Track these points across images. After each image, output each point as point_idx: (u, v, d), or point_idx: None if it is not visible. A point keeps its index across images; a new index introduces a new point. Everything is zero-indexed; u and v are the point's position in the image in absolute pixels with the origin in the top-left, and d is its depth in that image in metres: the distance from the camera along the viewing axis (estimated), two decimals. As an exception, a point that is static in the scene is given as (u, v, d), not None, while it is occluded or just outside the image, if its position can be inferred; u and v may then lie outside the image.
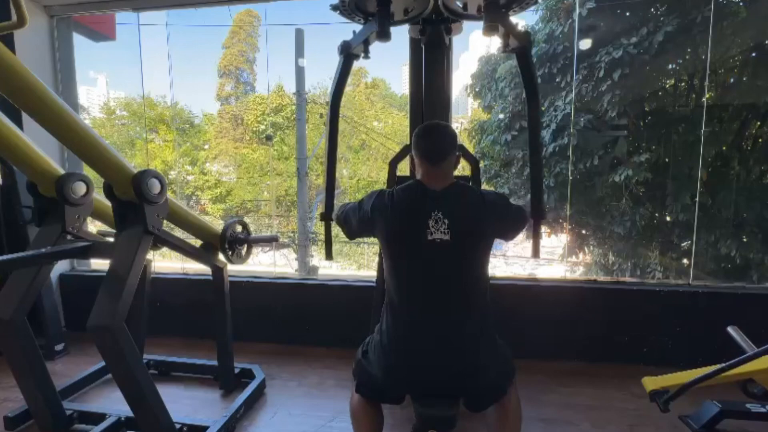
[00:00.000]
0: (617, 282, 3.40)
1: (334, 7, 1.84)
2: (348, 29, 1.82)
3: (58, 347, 2.79)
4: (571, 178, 5.99)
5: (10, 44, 2.55)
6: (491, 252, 1.41)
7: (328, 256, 2.03)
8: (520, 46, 1.68)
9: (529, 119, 1.87)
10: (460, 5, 1.79)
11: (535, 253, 1.95)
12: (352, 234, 1.53)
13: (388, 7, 1.68)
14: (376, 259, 2.33)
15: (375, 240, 1.46)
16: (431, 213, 1.28)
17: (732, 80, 5.64)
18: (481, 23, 1.66)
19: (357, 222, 1.44)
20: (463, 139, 7.92)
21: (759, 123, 5.51)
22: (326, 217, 1.95)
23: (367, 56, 1.87)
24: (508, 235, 1.48)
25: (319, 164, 14.92)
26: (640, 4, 5.46)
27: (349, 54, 1.80)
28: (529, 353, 2.45)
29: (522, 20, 1.86)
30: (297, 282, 3.07)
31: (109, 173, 1.71)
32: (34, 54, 2.99)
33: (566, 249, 6.99)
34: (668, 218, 5.82)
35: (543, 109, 6.26)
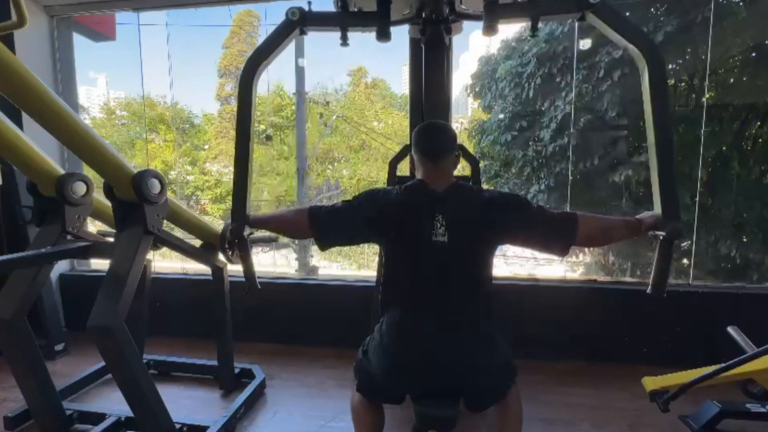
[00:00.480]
0: (617, 282, 3.40)
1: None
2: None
3: (58, 347, 2.79)
4: (571, 178, 5.99)
5: (10, 44, 2.54)
6: (495, 252, 1.38)
7: (253, 284, 1.64)
8: (580, 9, 1.46)
9: (644, 87, 1.45)
10: (465, 7, 1.78)
11: (658, 286, 1.40)
12: (332, 242, 1.42)
13: (388, 7, 1.67)
14: (376, 259, 2.32)
15: (375, 242, 1.46)
16: (432, 213, 1.28)
17: (732, 80, 5.63)
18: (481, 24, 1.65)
19: (347, 226, 1.38)
20: (463, 139, 7.91)
21: (759, 123, 5.51)
22: (238, 231, 1.52)
23: (345, 43, 1.73)
24: (533, 242, 1.35)
25: (319, 164, 14.93)
26: (640, 4, 5.46)
27: (298, 24, 1.59)
28: (529, 353, 2.44)
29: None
30: (297, 282, 3.07)
31: (109, 173, 1.71)
32: (34, 54, 2.99)
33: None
34: (668, 218, 5.81)
35: (543, 109, 6.27)
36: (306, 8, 1.62)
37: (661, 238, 1.35)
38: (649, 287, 1.42)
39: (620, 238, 1.43)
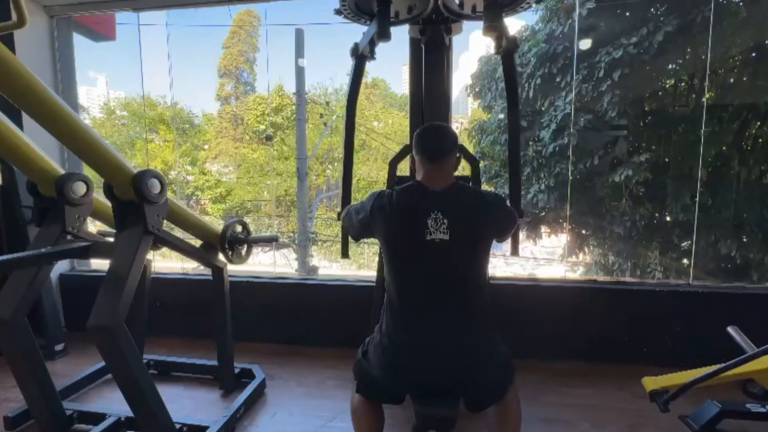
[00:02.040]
0: (617, 282, 3.40)
1: (338, 12, 1.85)
2: (348, 30, 1.85)
3: (58, 347, 2.79)
4: (571, 178, 5.99)
5: (10, 44, 2.55)
6: (491, 252, 1.42)
7: (344, 254, 2.09)
8: (507, 49, 1.74)
9: (509, 121, 1.99)
10: (460, 5, 1.79)
11: (515, 251, 2.04)
12: (355, 235, 1.54)
13: (388, 7, 1.68)
14: (376, 259, 2.33)
15: (375, 240, 1.46)
16: (431, 213, 1.28)
17: (732, 80, 5.63)
18: (481, 23, 1.66)
19: (359, 223, 1.44)
20: (463, 139, 7.92)
21: (759, 123, 5.51)
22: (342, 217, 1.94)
23: (372, 57, 1.89)
24: (503, 235, 1.51)
25: (319, 164, 14.93)
26: (640, 4, 5.46)
27: (360, 56, 1.86)
28: (529, 353, 2.45)
29: (522, 20, 1.84)
30: (297, 282, 3.07)
31: (109, 173, 1.71)
32: (34, 54, 2.99)
33: (566, 249, 6.99)
34: (668, 218, 5.82)
35: (543, 109, 6.27)
36: (355, 45, 1.87)
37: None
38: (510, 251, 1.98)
39: None
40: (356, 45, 1.86)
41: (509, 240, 1.79)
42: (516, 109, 1.92)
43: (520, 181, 2.00)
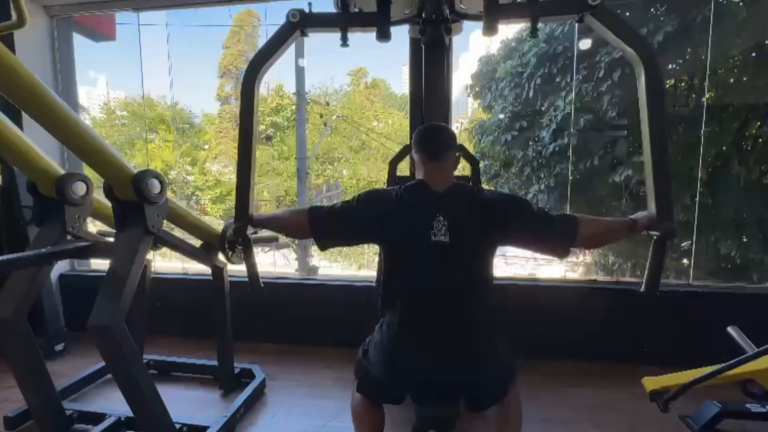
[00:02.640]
0: (617, 282, 3.40)
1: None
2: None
3: (58, 347, 2.79)
4: (571, 178, 5.99)
5: (10, 44, 2.54)
6: (495, 252, 1.38)
7: (256, 283, 1.63)
8: (581, 11, 1.46)
9: (640, 91, 1.46)
10: (465, 7, 1.78)
11: (651, 284, 1.43)
12: (333, 243, 1.43)
13: (388, 7, 1.67)
14: (376, 259, 2.32)
15: (375, 242, 1.46)
16: (435, 215, 1.28)
17: (732, 80, 5.63)
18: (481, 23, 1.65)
19: (347, 226, 1.38)
20: (463, 139, 7.92)
21: (759, 123, 5.51)
22: (242, 231, 1.53)
23: (345, 44, 1.74)
24: (533, 244, 1.37)
25: (319, 164, 14.93)
26: (640, 4, 5.46)
27: (299, 26, 1.59)
28: (529, 353, 2.44)
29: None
30: (297, 282, 3.07)
31: (109, 173, 1.71)
32: (34, 54, 3.00)
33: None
34: (668, 218, 5.81)
35: (543, 109, 6.26)
36: (306, 10, 1.63)
37: (655, 237, 1.38)
38: (643, 286, 1.45)
39: (617, 238, 1.46)
40: (301, 13, 1.59)
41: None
42: (657, 79, 1.38)
43: (669, 183, 1.41)
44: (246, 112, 1.61)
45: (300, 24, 1.61)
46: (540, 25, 1.63)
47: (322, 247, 1.44)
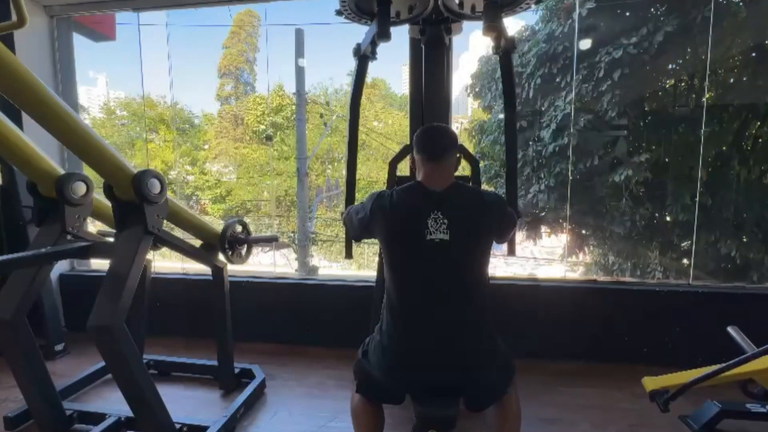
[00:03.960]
0: (617, 282, 3.41)
1: (338, 13, 1.85)
2: (348, 30, 1.85)
3: (58, 347, 2.79)
4: (571, 178, 5.99)
5: (10, 44, 2.55)
6: (491, 252, 1.41)
7: (348, 255, 2.10)
8: (505, 49, 1.76)
9: (506, 122, 1.96)
10: (460, 5, 1.79)
11: (512, 251, 1.98)
12: (355, 236, 1.57)
13: (388, 7, 1.68)
14: (376, 259, 2.33)
15: (375, 240, 1.46)
16: (431, 213, 1.28)
17: (732, 80, 5.64)
18: (480, 23, 1.66)
19: (358, 223, 1.45)
20: (463, 139, 7.92)
21: (759, 123, 5.51)
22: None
23: (374, 57, 1.89)
24: (503, 236, 1.52)
25: (320, 164, 14.93)
26: (640, 4, 5.46)
27: (363, 56, 1.88)
28: (529, 353, 2.44)
29: (522, 20, 1.84)
30: (297, 282, 3.07)
31: (109, 173, 1.71)
32: (34, 54, 2.99)
33: (566, 249, 6.99)
34: (668, 218, 5.82)
35: (543, 109, 6.27)
36: (358, 45, 1.88)
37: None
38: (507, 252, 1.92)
39: None
40: (358, 45, 1.87)
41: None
42: (513, 109, 1.93)
43: (517, 181, 1.99)
44: (353, 134, 2.06)
45: (364, 56, 1.89)
46: (540, 25, 1.67)
47: (355, 240, 1.69)
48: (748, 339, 1.74)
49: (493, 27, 1.59)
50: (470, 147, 7.17)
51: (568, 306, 2.63)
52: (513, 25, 5.44)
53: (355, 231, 1.52)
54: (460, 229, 1.28)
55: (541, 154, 6.21)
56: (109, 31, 3.81)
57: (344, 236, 2.10)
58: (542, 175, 6.32)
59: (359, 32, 1.90)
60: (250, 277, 3.02)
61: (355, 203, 1.67)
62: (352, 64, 1.92)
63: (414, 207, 1.32)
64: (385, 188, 1.64)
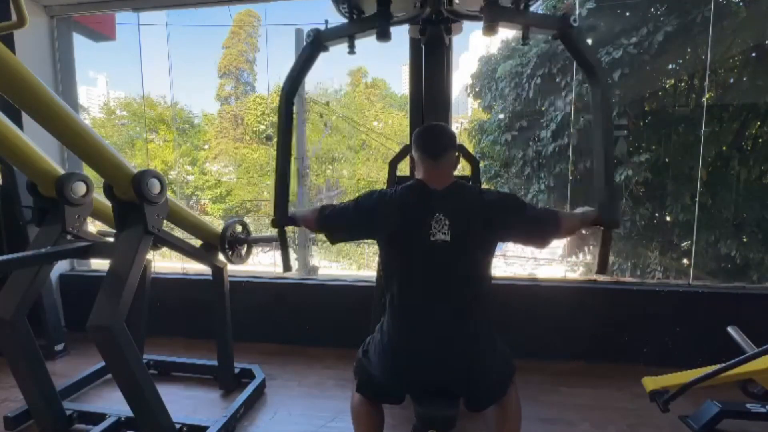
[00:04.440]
0: (617, 282, 3.40)
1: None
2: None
3: (58, 347, 2.79)
4: (571, 178, 5.99)
5: (10, 44, 2.55)
6: (494, 252, 1.40)
7: (287, 267, 1.82)
8: (561, 29, 1.57)
9: (593, 101, 1.60)
10: (465, 7, 1.78)
11: (602, 267, 1.63)
12: (338, 237, 1.51)
13: (388, 7, 1.67)
14: (376, 259, 2.32)
15: (374, 240, 1.46)
16: (434, 213, 1.28)
17: (732, 80, 5.63)
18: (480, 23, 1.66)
19: (348, 224, 1.43)
20: (463, 139, 7.92)
21: (759, 123, 5.51)
22: (280, 223, 1.73)
23: (352, 51, 1.81)
24: (528, 239, 1.44)
25: (319, 164, 14.93)
26: (640, 4, 5.46)
27: (318, 44, 1.70)
28: (529, 353, 2.44)
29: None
30: (297, 282, 3.07)
31: (109, 173, 1.71)
32: (34, 54, 2.99)
33: (566, 249, 6.99)
34: (668, 218, 5.82)
35: (543, 109, 6.26)
36: (322, 28, 1.72)
37: (602, 228, 1.58)
38: (596, 269, 1.65)
39: (579, 229, 1.60)
40: (318, 32, 1.69)
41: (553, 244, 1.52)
42: (601, 87, 1.56)
43: (613, 177, 1.60)
44: (285, 128, 1.78)
45: (318, 43, 1.73)
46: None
47: (332, 242, 1.54)
48: (748, 339, 1.74)
49: (493, 27, 1.59)
50: (470, 147, 7.18)
51: (568, 306, 2.63)
52: (508, 30, 5.44)
53: (339, 233, 1.48)
54: (461, 230, 1.28)
55: (541, 154, 6.21)
56: (109, 31, 3.81)
57: (281, 245, 1.81)
58: (542, 175, 6.31)
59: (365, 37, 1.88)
60: (250, 277, 3.03)
61: (334, 203, 1.55)
62: (352, 64, 1.92)
63: (417, 207, 1.31)
64: (379, 188, 1.61)
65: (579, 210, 1.56)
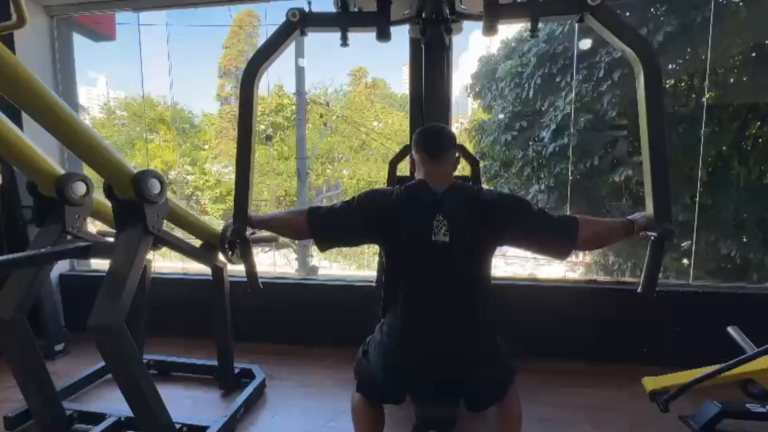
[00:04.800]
0: (617, 282, 3.40)
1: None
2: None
3: (58, 347, 2.79)
4: (571, 178, 5.99)
5: (10, 44, 2.54)
6: (494, 253, 1.39)
7: (254, 284, 1.66)
8: (581, 9, 1.44)
9: (639, 89, 1.45)
10: (465, 7, 1.79)
11: (648, 285, 1.46)
12: (329, 243, 1.43)
13: (388, 7, 1.67)
14: (376, 259, 2.32)
15: (375, 241, 1.46)
16: (435, 214, 1.28)
17: (732, 80, 5.63)
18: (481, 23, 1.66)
19: (343, 226, 1.38)
20: (463, 139, 7.91)
21: (759, 123, 5.51)
22: (240, 232, 1.54)
23: (345, 44, 1.75)
24: (533, 243, 1.35)
25: (319, 164, 14.93)
26: (640, 4, 5.46)
27: (297, 25, 1.59)
28: (529, 353, 2.44)
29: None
30: (297, 282, 3.07)
31: (109, 173, 1.71)
32: (34, 54, 2.99)
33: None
34: (668, 218, 5.81)
35: (543, 109, 6.26)
36: (306, 9, 1.64)
37: (652, 238, 1.39)
38: (640, 287, 1.47)
39: (616, 240, 1.45)
40: (301, 12, 1.59)
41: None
42: (654, 72, 1.39)
43: (668, 182, 1.42)
44: (245, 111, 1.60)
45: (300, 23, 1.62)
46: (540, 25, 1.64)
47: (322, 249, 1.44)
48: (748, 339, 1.74)
49: (493, 27, 1.59)
50: (470, 147, 7.17)
51: (568, 306, 2.63)
52: (513, 24, 5.44)
53: (331, 237, 1.41)
54: (460, 231, 1.27)
55: (541, 154, 6.21)
56: (109, 31, 3.82)
57: (244, 260, 1.66)
58: (542, 175, 6.31)
59: (359, 32, 1.86)
60: (250, 277, 3.02)
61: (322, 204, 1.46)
62: (352, 64, 1.90)
63: (421, 207, 1.31)
64: (383, 187, 1.56)
65: (631, 217, 1.40)
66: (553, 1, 1.60)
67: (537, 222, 1.32)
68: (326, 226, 1.39)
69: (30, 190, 1.93)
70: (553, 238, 1.33)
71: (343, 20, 1.71)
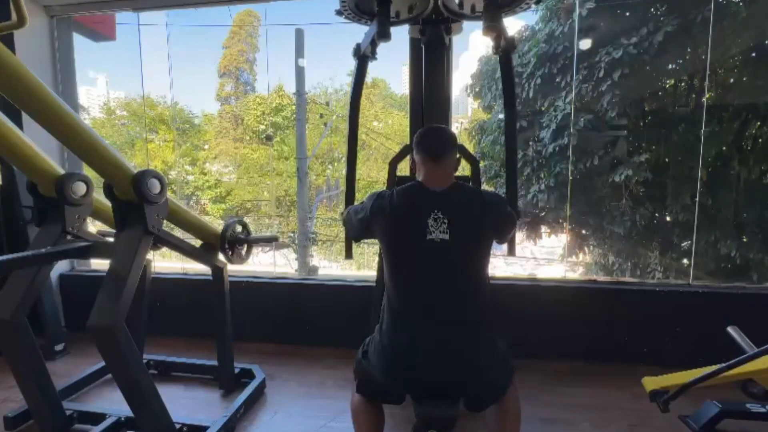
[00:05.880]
0: (617, 282, 3.40)
1: (338, 13, 1.85)
2: (348, 30, 1.85)
3: (58, 347, 2.79)
4: (571, 178, 5.99)
5: (10, 44, 2.54)
6: (491, 252, 1.42)
7: (348, 255, 2.12)
8: (505, 49, 1.77)
9: (506, 121, 1.95)
10: (460, 5, 1.79)
11: (511, 251, 1.98)
12: (355, 236, 1.57)
13: (388, 7, 1.68)
14: (376, 259, 2.33)
15: (375, 240, 1.46)
16: (431, 212, 1.29)
17: (732, 80, 5.63)
18: (480, 23, 1.66)
19: (358, 223, 1.45)
20: (463, 139, 7.91)
21: (759, 123, 5.51)
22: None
23: (374, 57, 1.90)
24: (503, 236, 1.50)
25: (319, 164, 14.93)
26: (640, 4, 5.46)
27: (363, 56, 1.89)
28: (529, 353, 2.44)
29: (522, 20, 1.83)
30: (297, 282, 3.07)
31: (109, 173, 1.71)
32: (34, 54, 2.99)
33: (566, 249, 6.99)
34: (668, 218, 5.82)
35: (543, 109, 6.27)
36: (357, 45, 1.90)
37: None
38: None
39: None
40: (358, 46, 1.88)
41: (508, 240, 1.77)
42: (513, 109, 1.93)
43: (517, 181, 1.99)
44: (352, 135, 2.09)
45: (364, 56, 1.91)
46: (540, 25, 1.67)
47: (354, 240, 1.69)
48: (748, 339, 1.74)
49: (493, 27, 1.59)
50: (470, 147, 7.17)
51: (568, 306, 2.63)
52: (513, 24, 5.45)
53: (355, 231, 1.52)
54: (461, 229, 1.28)
55: (541, 154, 6.21)
56: (109, 31, 3.81)
57: (344, 236, 2.10)
58: (542, 175, 6.32)
59: (359, 32, 1.90)
60: (250, 277, 3.03)
61: (355, 203, 1.67)
62: (352, 64, 1.93)
63: (414, 207, 1.32)
64: (384, 188, 1.63)
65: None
66: None
67: (508, 219, 1.45)
68: (349, 224, 1.58)
69: (30, 190, 1.93)
70: (510, 230, 1.53)
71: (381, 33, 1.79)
